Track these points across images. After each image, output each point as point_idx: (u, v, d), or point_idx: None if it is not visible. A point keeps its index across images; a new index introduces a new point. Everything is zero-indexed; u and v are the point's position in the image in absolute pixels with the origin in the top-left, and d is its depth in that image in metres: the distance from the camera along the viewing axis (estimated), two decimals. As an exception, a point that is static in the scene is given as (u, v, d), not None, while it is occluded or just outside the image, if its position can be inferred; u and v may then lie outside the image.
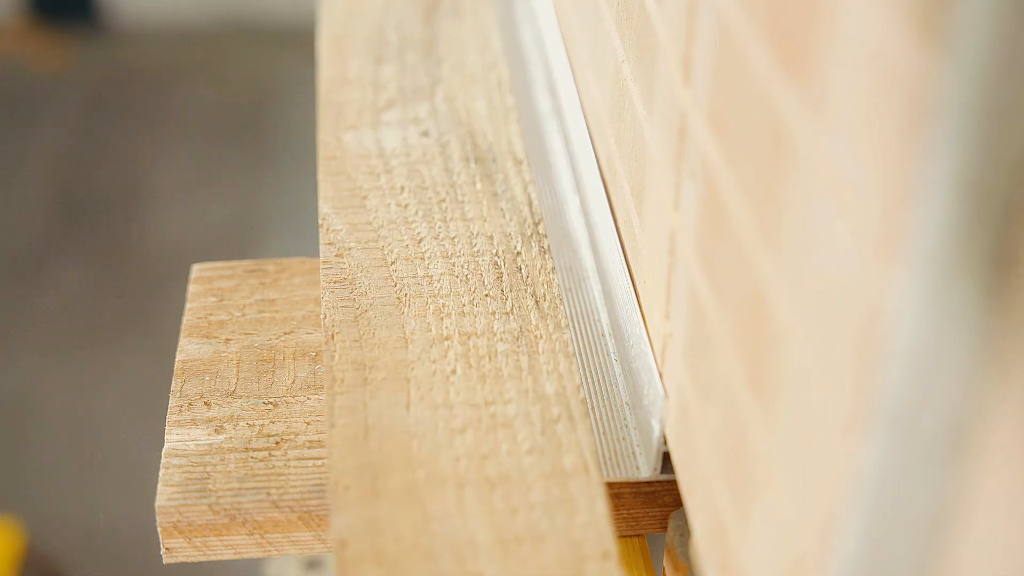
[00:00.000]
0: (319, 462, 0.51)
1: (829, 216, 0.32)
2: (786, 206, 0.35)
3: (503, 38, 0.76)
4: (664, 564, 0.51)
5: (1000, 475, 0.29)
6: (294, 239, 1.99)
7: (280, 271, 0.61)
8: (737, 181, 0.39)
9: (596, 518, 0.46)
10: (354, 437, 0.49)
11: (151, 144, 2.27)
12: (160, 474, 0.50)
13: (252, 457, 0.51)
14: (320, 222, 0.60)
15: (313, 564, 0.94)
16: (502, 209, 0.61)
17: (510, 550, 0.45)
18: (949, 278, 0.28)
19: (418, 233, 0.59)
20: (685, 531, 0.49)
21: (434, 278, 0.56)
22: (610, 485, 0.51)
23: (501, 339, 0.54)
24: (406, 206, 0.61)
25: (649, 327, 0.52)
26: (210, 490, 0.50)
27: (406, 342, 0.53)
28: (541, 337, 0.54)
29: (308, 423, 0.53)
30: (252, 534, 0.50)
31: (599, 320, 0.58)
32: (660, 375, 0.50)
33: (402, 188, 0.62)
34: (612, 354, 0.56)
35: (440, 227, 0.60)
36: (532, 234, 0.60)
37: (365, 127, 0.66)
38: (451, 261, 0.58)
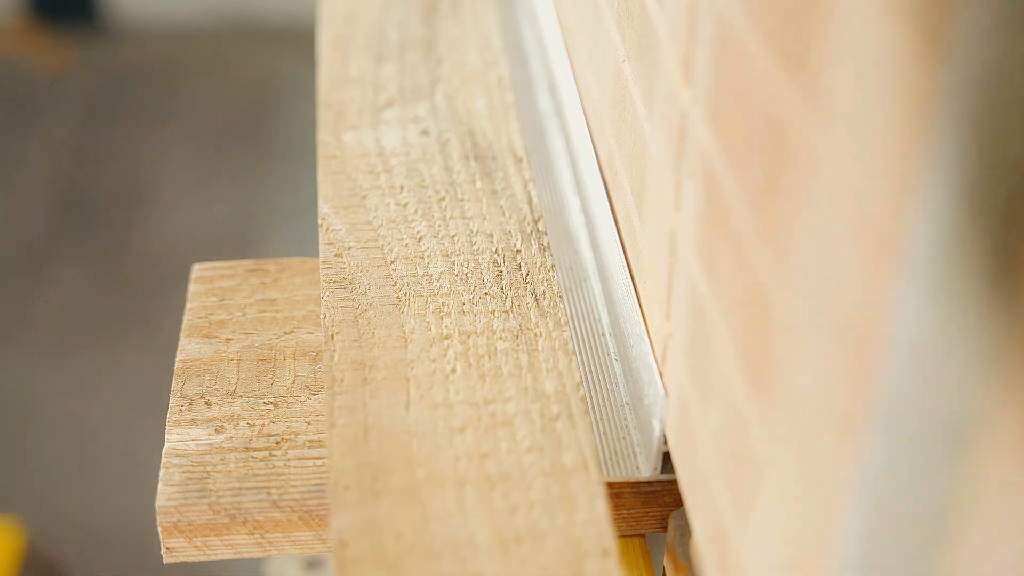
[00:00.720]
0: (319, 462, 0.51)
1: (829, 216, 0.32)
2: (786, 206, 0.35)
3: (503, 37, 0.76)
4: (664, 564, 0.51)
5: (1000, 475, 0.29)
6: (294, 238, 1.99)
7: (281, 271, 0.61)
8: (737, 181, 0.39)
9: (596, 516, 0.46)
10: (354, 437, 0.49)
11: (151, 144, 2.27)
12: (160, 474, 0.50)
13: (252, 457, 0.51)
14: (320, 222, 0.60)
15: (313, 564, 0.94)
16: (502, 207, 0.61)
17: (510, 549, 0.45)
18: (949, 278, 0.28)
19: (418, 232, 0.59)
20: (685, 531, 0.49)
21: (434, 277, 0.57)
22: (610, 485, 0.51)
23: (501, 337, 0.54)
24: (406, 205, 0.61)
25: (649, 327, 0.52)
26: (210, 490, 0.50)
27: (406, 341, 0.53)
28: (541, 335, 0.54)
29: (308, 423, 0.53)
30: (252, 534, 0.50)
31: (599, 320, 0.58)
32: (660, 375, 0.50)
33: (402, 187, 0.62)
34: (612, 354, 0.56)
35: (440, 226, 0.60)
36: (532, 232, 0.60)
37: (365, 126, 0.66)
38: (451, 260, 0.58)
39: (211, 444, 0.52)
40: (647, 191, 0.51)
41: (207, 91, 2.41)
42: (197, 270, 0.61)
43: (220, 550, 0.51)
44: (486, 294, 0.56)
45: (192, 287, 0.60)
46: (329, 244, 0.58)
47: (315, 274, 0.61)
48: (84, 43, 2.55)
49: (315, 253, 0.61)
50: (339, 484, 0.47)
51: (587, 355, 0.56)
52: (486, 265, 0.57)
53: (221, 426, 0.52)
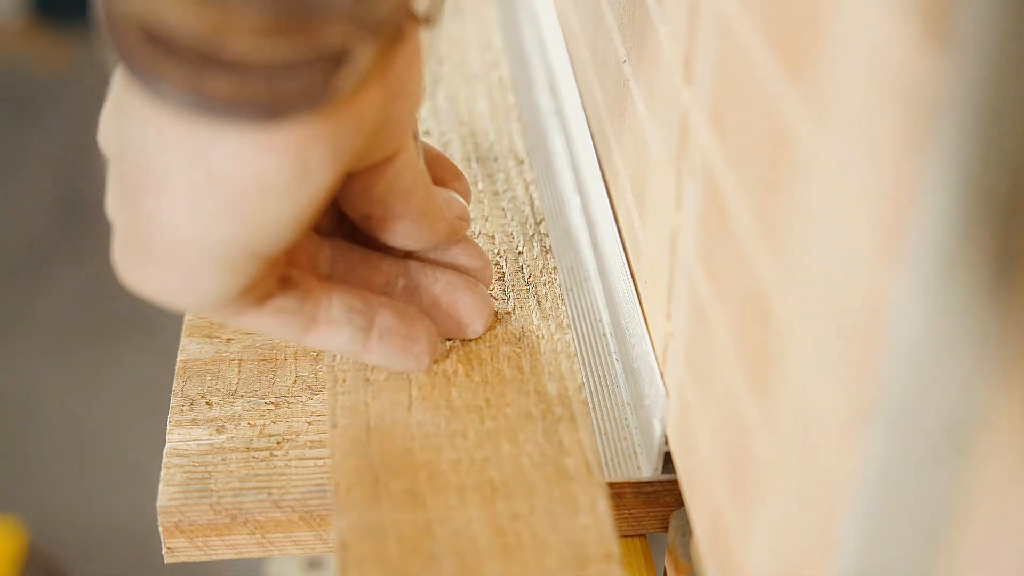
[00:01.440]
0: (320, 462, 0.51)
1: (830, 215, 0.32)
2: (787, 206, 0.35)
3: (504, 37, 0.76)
4: (665, 564, 0.51)
5: (1001, 474, 0.29)
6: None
7: (281, 271, 0.61)
8: (738, 181, 0.39)
9: (598, 519, 0.46)
10: (356, 438, 0.49)
11: (152, 144, 2.27)
12: (161, 474, 0.50)
13: (253, 457, 0.51)
14: (321, 222, 0.60)
15: (314, 564, 0.94)
16: (504, 209, 0.61)
17: (512, 551, 0.45)
18: (950, 278, 0.28)
19: (419, 233, 0.59)
20: (686, 531, 0.49)
21: None
22: (611, 485, 0.51)
23: (503, 340, 0.54)
24: (407, 206, 0.61)
25: (650, 327, 0.52)
26: (211, 490, 0.50)
27: (407, 342, 0.53)
28: (543, 338, 0.54)
29: (309, 423, 0.53)
30: (253, 534, 0.50)
31: (600, 320, 0.58)
32: (661, 374, 0.50)
33: (403, 188, 0.62)
34: (613, 354, 0.56)
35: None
36: (534, 234, 0.60)
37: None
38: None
39: (212, 444, 0.52)
40: (648, 191, 0.51)
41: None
42: (198, 270, 0.61)
43: (221, 550, 0.51)
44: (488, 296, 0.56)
45: (193, 287, 0.60)
46: (330, 244, 0.58)
47: (316, 274, 0.61)
48: (85, 44, 2.55)
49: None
50: (341, 486, 0.47)
51: (588, 355, 0.56)
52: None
53: (222, 426, 0.52)
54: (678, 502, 0.51)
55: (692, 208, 0.44)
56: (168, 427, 0.52)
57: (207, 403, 0.53)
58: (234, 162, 0.41)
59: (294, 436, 0.52)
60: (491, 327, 0.54)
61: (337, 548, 0.45)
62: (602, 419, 0.53)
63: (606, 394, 0.54)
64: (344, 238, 0.51)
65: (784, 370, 0.36)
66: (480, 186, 0.63)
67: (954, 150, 0.26)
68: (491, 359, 0.53)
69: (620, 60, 0.56)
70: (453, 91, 0.69)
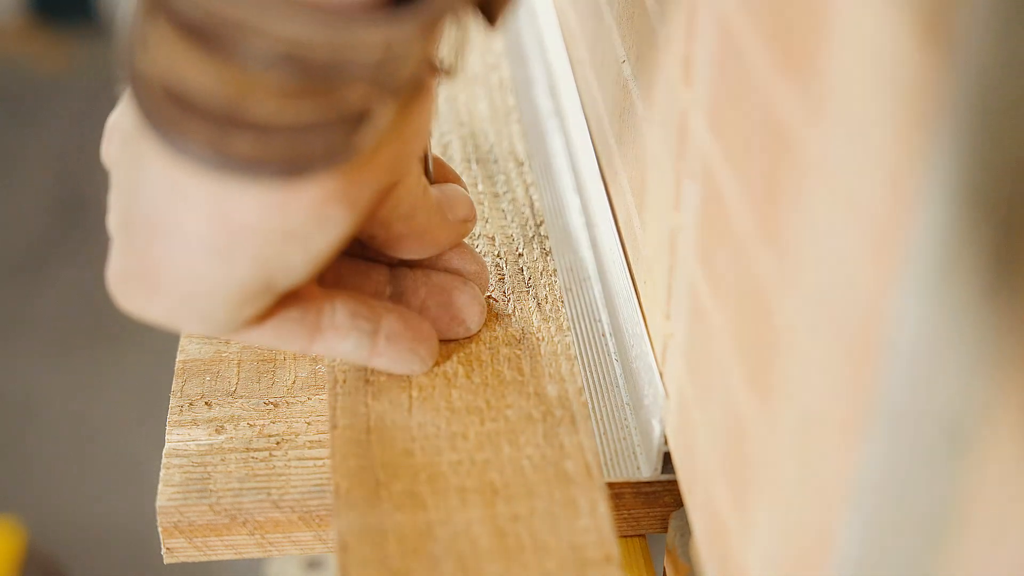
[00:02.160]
0: (320, 462, 0.51)
1: (829, 216, 0.32)
2: (786, 206, 0.35)
3: (504, 38, 0.76)
4: (665, 564, 0.51)
5: (999, 474, 0.29)
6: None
7: (281, 271, 0.61)
8: (737, 181, 0.39)
9: (598, 522, 0.46)
10: (356, 439, 0.49)
11: (151, 144, 2.27)
12: (161, 474, 0.50)
13: (253, 457, 0.51)
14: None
15: (314, 564, 0.94)
16: (504, 210, 0.61)
17: (512, 554, 0.45)
18: (949, 278, 0.28)
19: (419, 234, 0.59)
20: (686, 531, 0.49)
21: None
22: (611, 485, 0.51)
23: (503, 342, 0.54)
24: (407, 206, 0.61)
25: (650, 327, 0.52)
26: (211, 490, 0.50)
27: (407, 343, 0.53)
28: (543, 340, 0.54)
29: (309, 423, 0.53)
30: (253, 534, 0.50)
31: (600, 320, 0.58)
32: (661, 375, 0.50)
33: (403, 188, 0.62)
34: (613, 354, 0.56)
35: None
36: (534, 236, 0.60)
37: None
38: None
39: (211, 444, 0.52)
40: (647, 191, 0.51)
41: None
42: (198, 271, 0.61)
43: (220, 550, 0.51)
44: (488, 298, 0.56)
45: (193, 288, 0.60)
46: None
47: (316, 275, 0.61)
48: (84, 43, 2.55)
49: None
50: (341, 487, 0.47)
51: (587, 356, 0.56)
52: (488, 268, 0.57)
53: (221, 426, 0.52)
54: (677, 502, 0.51)
55: (691, 208, 0.44)
56: (167, 427, 0.52)
57: (206, 403, 0.53)
58: (254, 215, 0.41)
59: (293, 436, 0.52)
60: (490, 328, 0.54)
61: (337, 549, 0.45)
62: (601, 420, 0.53)
63: (605, 395, 0.54)
64: None
65: (783, 370, 0.36)
66: (480, 188, 0.63)
67: (953, 151, 0.26)
68: (491, 361, 0.53)
69: (619, 60, 0.56)
70: (453, 93, 0.69)
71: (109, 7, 2.61)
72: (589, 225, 0.62)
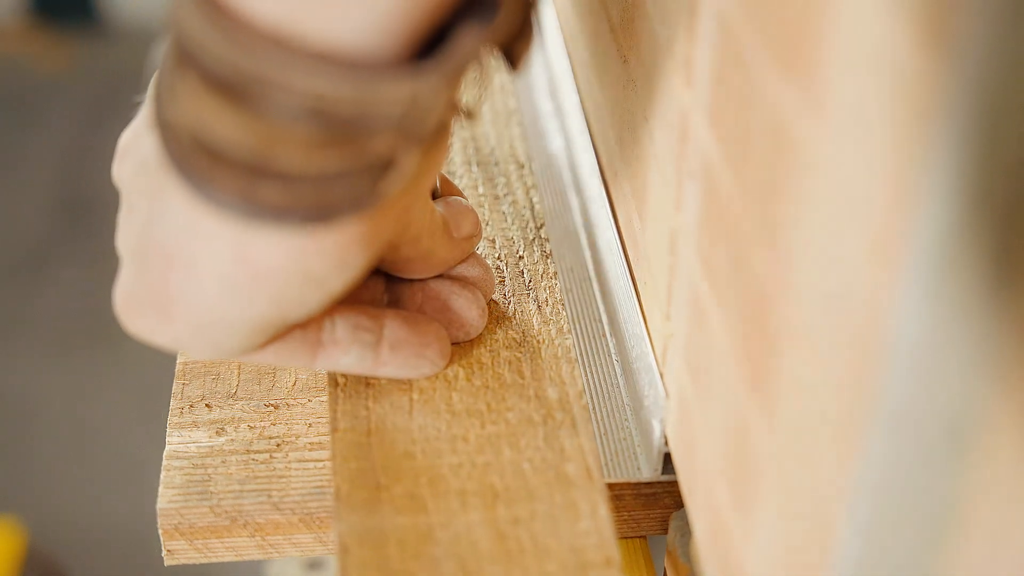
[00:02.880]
0: (320, 464, 0.51)
1: (830, 217, 0.32)
2: (787, 208, 0.35)
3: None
4: (665, 565, 0.51)
5: (1000, 476, 0.29)
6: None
7: (281, 273, 0.61)
8: (738, 182, 0.39)
9: (599, 525, 0.46)
10: (356, 442, 0.49)
11: (151, 145, 2.27)
12: (161, 476, 0.51)
13: (253, 459, 0.51)
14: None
15: (314, 565, 0.94)
16: (504, 213, 0.61)
17: (513, 556, 0.45)
18: (949, 279, 0.28)
19: (419, 235, 0.59)
20: (686, 532, 0.49)
21: None
22: (611, 486, 0.51)
23: (503, 344, 0.54)
24: (407, 208, 0.61)
25: (650, 328, 0.52)
26: (211, 492, 0.50)
27: (408, 345, 0.53)
28: (543, 342, 0.54)
29: (309, 425, 0.53)
30: (253, 536, 0.50)
31: (600, 320, 0.58)
32: (661, 376, 0.50)
33: (403, 190, 0.62)
34: (613, 354, 0.56)
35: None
36: (534, 238, 0.60)
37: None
38: (453, 264, 0.58)
39: (212, 446, 0.52)
40: (648, 192, 0.51)
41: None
42: (198, 272, 0.61)
43: (221, 552, 0.51)
44: (490, 301, 0.56)
45: (193, 289, 0.60)
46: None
47: (316, 276, 0.61)
48: (85, 44, 2.55)
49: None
50: (342, 489, 0.47)
51: (587, 356, 0.56)
52: (493, 272, 0.57)
53: (222, 428, 0.52)
54: (678, 503, 0.51)
55: (692, 209, 0.44)
56: (168, 429, 0.52)
57: (207, 405, 0.53)
58: (277, 260, 0.41)
59: (294, 438, 0.52)
60: (491, 331, 0.54)
61: (338, 552, 0.45)
62: (601, 420, 0.53)
63: (605, 395, 0.54)
64: None
65: (784, 370, 0.36)
66: (481, 190, 0.63)
67: (953, 151, 0.26)
68: (492, 363, 0.53)
69: (620, 61, 0.56)
70: (453, 92, 0.69)
71: (110, 7, 2.61)
72: (589, 226, 0.62)
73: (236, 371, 0.55)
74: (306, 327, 0.47)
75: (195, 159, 0.39)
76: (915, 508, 0.31)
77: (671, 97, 0.46)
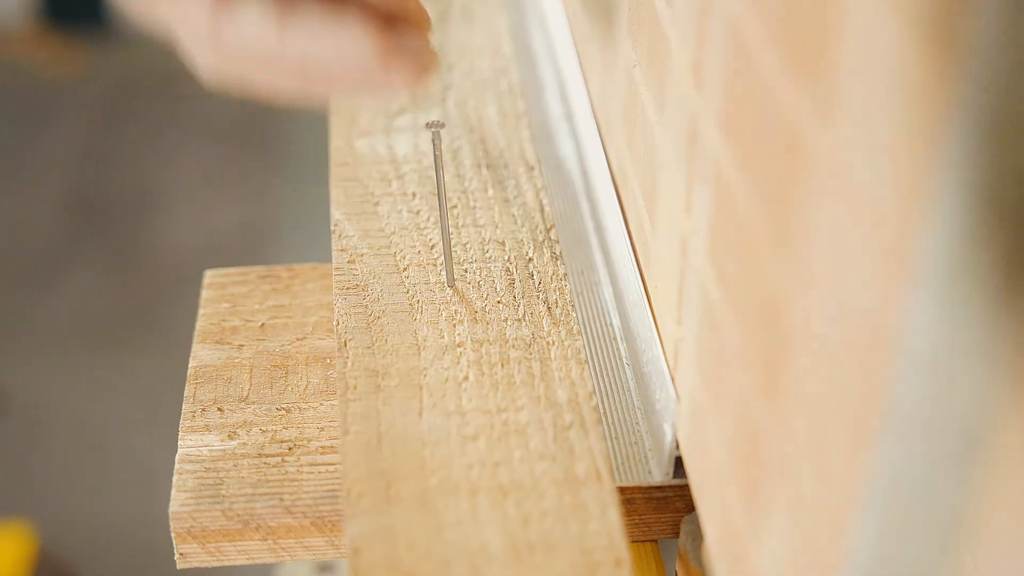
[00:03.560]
0: (332, 468, 0.51)
1: (841, 222, 0.32)
2: (798, 211, 0.35)
3: (514, 43, 0.76)
4: (676, 569, 0.51)
5: (1013, 479, 0.29)
6: (304, 243, 2.00)
7: (292, 277, 0.61)
8: (749, 186, 0.39)
9: (609, 525, 0.46)
10: (367, 444, 0.49)
11: (162, 149, 2.28)
12: (174, 480, 0.51)
13: (265, 463, 0.51)
14: (332, 228, 0.60)
15: (325, 568, 0.94)
16: (514, 215, 0.61)
17: (523, 557, 0.45)
18: (961, 284, 0.28)
19: (430, 239, 0.59)
20: (697, 536, 0.49)
21: (446, 285, 0.57)
22: (622, 490, 0.51)
23: (513, 346, 0.54)
24: (418, 212, 0.61)
25: (661, 331, 0.52)
26: (223, 496, 0.50)
27: (419, 348, 0.53)
28: (553, 344, 0.54)
29: (321, 428, 0.53)
30: (265, 539, 0.50)
31: (611, 324, 0.58)
32: (672, 379, 0.50)
33: (414, 194, 0.62)
34: (624, 358, 0.56)
35: (452, 233, 0.60)
36: (544, 240, 0.60)
37: (377, 133, 0.66)
38: (463, 267, 0.58)
39: (224, 450, 0.52)
40: (658, 195, 0.51)
41: (217, 97, 2.41)
42: (209, 276, 0.61)
43: (233, 556, 0.51)
44: (498, 302, 0.56)
45: (204, 293, 0.60)
46: (342, 250, 0.59)
47: (326, 280, 0.61)
48: (95, 49, 2.56)
49: (325, 259, 0.61)
50: (353, 491, 0.47)
51: (599, 360, 0.56)
52: (498, 273, 0.57)
53: (234, 432, 0.53)
54: (689, 507, 0.51)
55: (703, 213, 0.44)
56: (180, 433, 0.53)
57: (219, 409, 0.54)
58: None
59: (305, 442, 0.52)
60: (501, 332, 0.54)
61: (349, 553, 0.45)
62: (612, 423, 0.53)
63: (617, 398, 0.54)
64: None
65: (796, 374, 0.36)
66: (490, 192, 0.63)
67: (963, 157, 0.26)
68: (502, 365, 0.53)
69: (630, 64, 0.56)
70: (463, 98, 0.70)
71: (120, 12, 2.61)
72: (600, 229, 0.62)
73: (248, 375, 0.55)
74: None
75: None
76: (926, 513, 0.31)
77: (681, 100, 0.46)
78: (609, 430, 0.53)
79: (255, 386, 0.55)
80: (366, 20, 0.43)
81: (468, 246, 0.59)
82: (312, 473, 0.51)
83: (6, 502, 1.65)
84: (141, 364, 1.85)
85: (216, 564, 0.51)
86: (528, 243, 0.60)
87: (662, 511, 0.52)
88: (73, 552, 1.57)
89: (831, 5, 0.31)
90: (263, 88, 0.45)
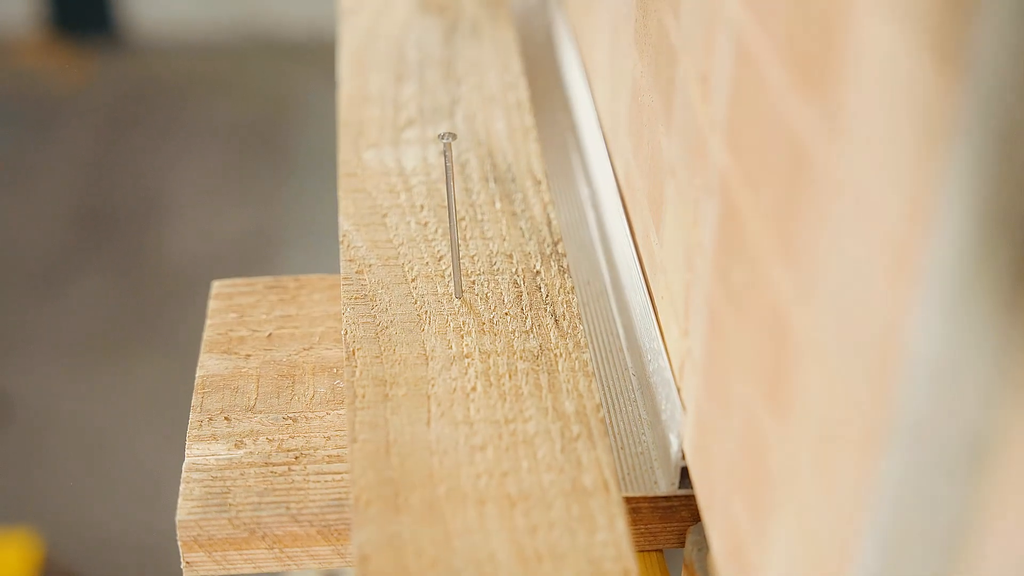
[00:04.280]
0: (338, 476, 0.51)
1: (847, 233, 0.32)
2: (804, 223, 0.35)
3: (522, 59, 0.76)
4: (682, 579, 0.52)
5: (1019, 490, 0.29)
6: (311, 254, 2.00)
7: (299, 287, 0.62)
8: (755, 198, 0.39)
9: (616, 536, 0.46)
10: (375, 453, 0.49)
11: (170, 158, 2.28)
12: (181, 488, 0.51)
13: (272, 472, 0.52)
14: (341, 238, 0.60)
15: (331, 577, 0.94)
16: (521, 228, 0.61)
17: (530, 567, 0.45)
18: (966, 294, 0.28)
19: (438, 251, 0.59)
20: (703, 546, 0.50)
21: (454, 296, 0.57)
22: (628, 500, 0.51)
23: (521, 357, 0.54)
24: (426, 224, 0.61)
25: (667, 342, 0.52)
26: (230, 504, 0.50)
27: (426, 359, 0.53)
28: (561, 356, 0.54)
29: (327, 438, 0.53)
30: (272, 548, 0.50)
31: (617, 335, 0.58)
32: (678, 390, 0.50)
33: (422, 206, 0.62)
34: (630, 369, 0.56)
35: (459, 245, 0.60)
36: (551, 253, 0.60)
37: (385, 145, 0.67)
38: (471, 279, 0.58)
39: (231, 459, 0.52)
40: (665, 207, 0.51)
41: (225, 106, 2.42)
42: (217, 287, 0.61)
43: (240, 564, 0.51)
44: (506, 314, 0.56)
45: (212, 304, 0.60)
46: (350, 261, 0.59)
47: (333, 291, 0.61)
48: (103, 57, 2.56)
49: (333, 270, 0.61)
50: (361, 499, 0.47)
51: (605, 370, 0.56)
52: (506, 286, 0.58)
53: (241, 441, 0.53)
54: (695, 517, 0.51)
55: (709, 225, 0.44)
56: (187, 442, 0.53)
57: (226, 418, 0.54)
58: None
59: (312, 451, 0.52)
60: (509, 344, 0.55)
61: (357, 561, 0.45)
62: (619, 434, 0.53)
63: (623, 409, 0.54)
64: None
65: (802, 386, 0.36)
66: (498, 206, 0.63)
67: (969, 169, 0.27)
68: (509, 376, 0.53)
69: (636, 76, 0.56)
70: (471, 111, 0.70)
71: (128, 21, 2.62)
72: (606, 240, 0.62)
73: (255, 384, 0.55)
74: None
75: None
76: (933, 521, 0.31)
77: (688, 113, 0.46)
78: (615, 440, 0.53)
79: (262, 395, 0.55)
80: None
81: (476, 258, 0.59)
82: (318, 482, 0.51)
83: (12, 509, 1.66)
84: (147, 372, 1.86)
85: (222, 572, 0.51)
86: (535, 256, 0.60)
87: (668, 521, 0.52)
88: (78, 560, 1.57)
89: (837, 20, 0.32)
90: None
